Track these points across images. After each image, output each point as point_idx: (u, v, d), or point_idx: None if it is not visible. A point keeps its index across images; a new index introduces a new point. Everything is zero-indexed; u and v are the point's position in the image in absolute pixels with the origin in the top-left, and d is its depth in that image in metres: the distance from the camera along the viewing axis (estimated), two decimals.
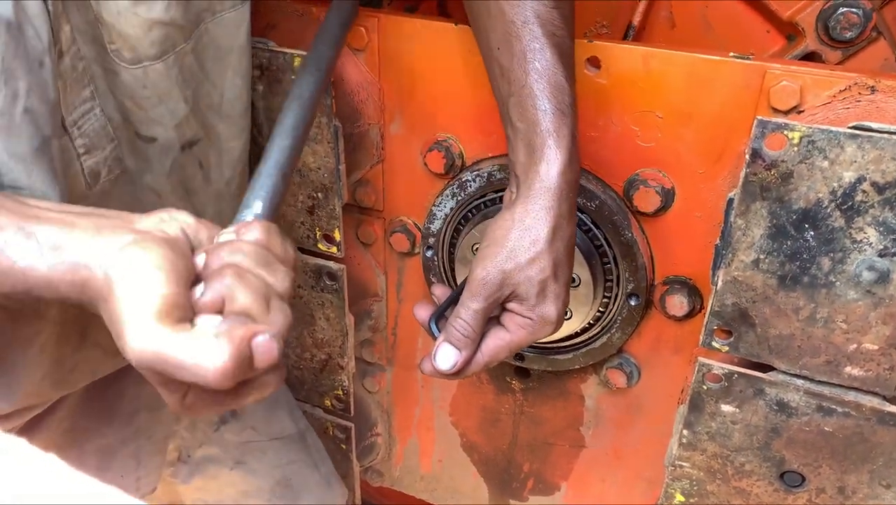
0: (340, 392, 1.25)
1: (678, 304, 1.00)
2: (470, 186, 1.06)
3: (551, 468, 1.30)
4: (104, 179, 0.81)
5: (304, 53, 0.96)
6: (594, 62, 0.93)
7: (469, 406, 1.31)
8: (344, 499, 1.35)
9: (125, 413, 1.05)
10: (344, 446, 1.32)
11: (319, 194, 1.04)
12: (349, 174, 1.08)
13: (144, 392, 1.07)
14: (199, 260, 0.58)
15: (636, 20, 1.12)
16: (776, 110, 0.85)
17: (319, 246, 1.10)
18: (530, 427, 1.27)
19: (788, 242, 0.81)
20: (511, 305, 0.80)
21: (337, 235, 1.08)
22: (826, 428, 0.89)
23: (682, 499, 1.04)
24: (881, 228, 0.77)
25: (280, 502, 1.25)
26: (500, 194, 1.05)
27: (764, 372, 0.90)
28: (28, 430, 0.91)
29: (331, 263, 1.11)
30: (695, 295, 1.01)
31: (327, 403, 1.28)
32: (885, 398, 0.86)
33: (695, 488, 1.02)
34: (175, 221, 0.59)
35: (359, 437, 1.36)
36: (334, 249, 1.09)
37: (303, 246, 1.12)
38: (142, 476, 1.10)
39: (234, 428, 1.20)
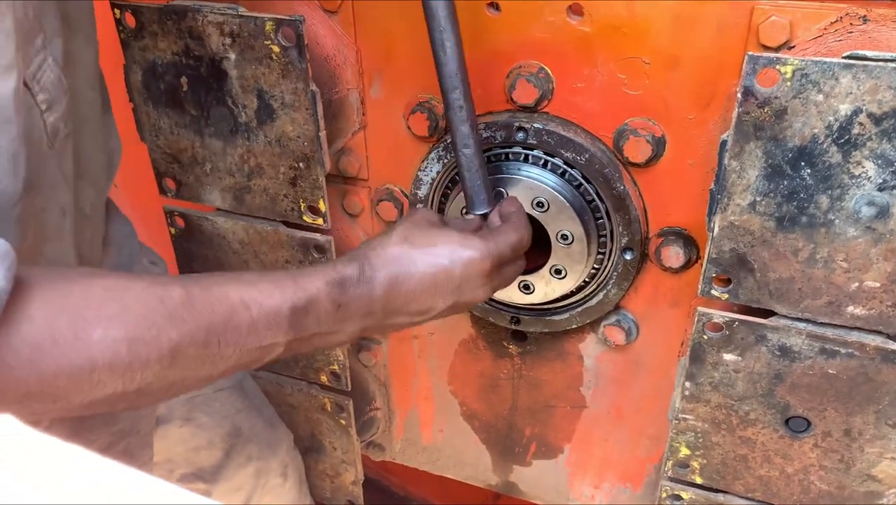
0: (336, 367, 1.23)
1: (674, 255, 0.98)
2: None
3: (553, 431, 1.29)
4: (61, 136, 0.76)
5: (277, 17, 0.92)
6: (576, 10, 0.90)
7: (467, 373, 1.30)
8: (289, 438, 1.36)
9: (104, 416, 1.02)
10: (343, 422, 1.31)
11: (301, 164, 1.01)
12: (331, 143, 1.05)
13: None
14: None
15: None
16: (766, 47, 0.82)
17: (305, 218, 1.07)
18: (530, 391, 1.25)
19: (785, 182, 0.79)
20: None
21: (322, 206, 1.05)
22: (830, 370, 0.88)
23: (688, 452, 1.03)
24: (879, 161, 0.75)
25: (232, 452, 1.25)
26: (486, 154, 1.02)
27: (765, 317, 0.88)
28: None
29: (317, 236, 1.09)
30: (690, 245, 0.99)
31: (323, 378, 1.26)
32: (888, 336, 0.84)
33: (700, 440, 1.01)
34: None
35: (357, 412, 1.34)
36: (320, 221, 1.06)
37: (287, 220, 1.09)
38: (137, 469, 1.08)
39: None
